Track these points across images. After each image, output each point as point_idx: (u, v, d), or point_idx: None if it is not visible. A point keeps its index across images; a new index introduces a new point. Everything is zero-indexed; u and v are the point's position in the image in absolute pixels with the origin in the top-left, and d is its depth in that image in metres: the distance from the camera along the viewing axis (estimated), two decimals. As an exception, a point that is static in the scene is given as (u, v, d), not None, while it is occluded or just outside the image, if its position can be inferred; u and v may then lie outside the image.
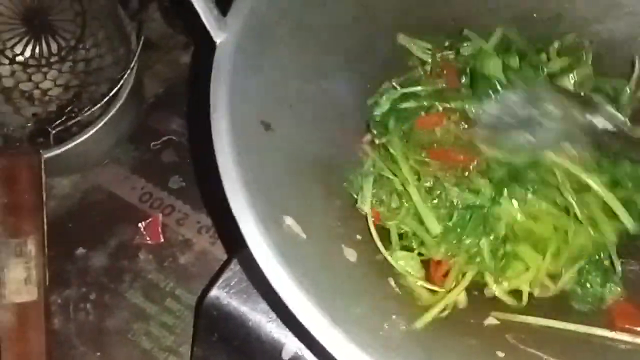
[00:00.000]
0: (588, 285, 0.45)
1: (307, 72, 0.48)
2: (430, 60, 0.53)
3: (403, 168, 0.46)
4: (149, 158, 0.68)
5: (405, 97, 0.50)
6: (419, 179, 0.46)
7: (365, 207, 0.45)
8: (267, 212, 0.36)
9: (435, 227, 0.44)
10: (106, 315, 0.59)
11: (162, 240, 0.62)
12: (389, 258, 0.43)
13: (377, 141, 0.49)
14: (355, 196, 0.47)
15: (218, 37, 0.40)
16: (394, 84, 0.52)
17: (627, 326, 0.41)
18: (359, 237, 0.44)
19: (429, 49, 0.54)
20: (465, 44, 0.53)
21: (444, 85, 0.51)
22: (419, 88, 0.50)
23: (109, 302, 0.60)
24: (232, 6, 0.42)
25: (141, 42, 0.66)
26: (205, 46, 0.41)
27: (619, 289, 0.44)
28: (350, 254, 0.42)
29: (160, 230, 0.63)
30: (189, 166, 0.66)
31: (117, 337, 0.58)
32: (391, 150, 0.47)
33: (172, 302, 0.59)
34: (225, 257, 0.62)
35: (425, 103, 0.49)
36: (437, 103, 0.48)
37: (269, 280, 0.33)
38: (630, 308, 0.43)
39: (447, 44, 0.54)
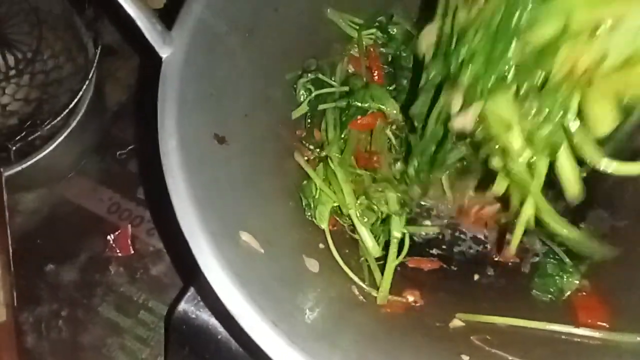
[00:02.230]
0: (546, 273, 0.45)
1: (262, 79, 0.47)
2: (355, 37, 0.52)
3: (345, 190, 0.45)
4: (115, 168, 0.67)
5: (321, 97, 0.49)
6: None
7: (323, 225, 0.45)
8: (222, 230, 0.35)
9: (376, 250, 0.45)
10: (79, 331, 0.58)
11: (133, 251, 0.62)
12: (348, 271, 0.43)
13: (314, 151, 0.48)
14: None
15: (163, 53, 0.39)
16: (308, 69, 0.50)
17: (590, 321, 0.41)
18: (321, 245, 0.44)
19: (357, 25, 0.53)
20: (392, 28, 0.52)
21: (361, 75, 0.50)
22: (332, 89, 0.49)
23: (82, 318, 0.59)
24: (177, 19, 0.41)
25: (99, 51, 0.65)
26: (153, 58, 0.40)
27: (576, 281, 0.44)
28: (312, 265, 0.41)
29: (130, 241, 0.62)
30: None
31: (92, 353, 0.57)
32: (332, 167, 0.46)
33: (146, 315, 0.59)
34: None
35: (355, 103, 0.47)
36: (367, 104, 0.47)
37: (225, 304, 0.32)
38: (594, 301, 0.43)
39: (376, 23, 0.53)
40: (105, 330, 0.58)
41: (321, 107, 0.47)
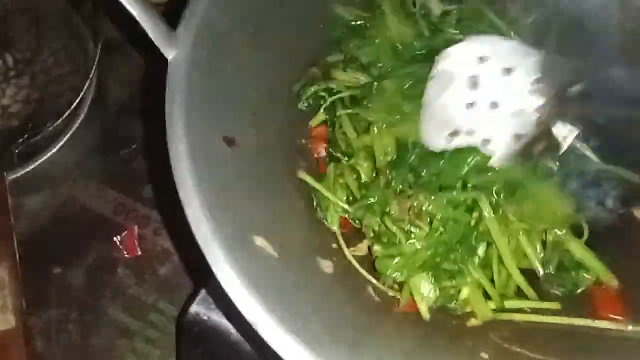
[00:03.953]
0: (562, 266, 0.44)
1: (268, 76, 0.46)
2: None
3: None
4: (119, 168, 0.66)
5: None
6: None
7: (334, 227, 0.44)
8: (235, 236, 0.35)
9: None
10: (89, 335, 0.58)
11: (140, 252, 0.61)
12: (362, 272, 0.42)
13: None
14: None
15: (169, 54, 0.38)
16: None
17: (609, 315, 0.41)
18: (334, 245, 0.44)
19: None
20: None
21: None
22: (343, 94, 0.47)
23: (91, 321, 0.58)
24: (181, 18, 0.39)
25: (99, 47, 0.64)
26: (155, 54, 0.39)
27: (589, 276, 0.43)
28: (327, 266, 0.41)
29: (136, 242, 0.61)
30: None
31: (102, 356, 0.57)
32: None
33: (155, 316, 0.58)
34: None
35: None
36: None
37: (243, 314, 0.32)
38: (613, 295, 0.42)
39: None
40: (115, 333, 0.58)
41: (339, 113, 0.46)
